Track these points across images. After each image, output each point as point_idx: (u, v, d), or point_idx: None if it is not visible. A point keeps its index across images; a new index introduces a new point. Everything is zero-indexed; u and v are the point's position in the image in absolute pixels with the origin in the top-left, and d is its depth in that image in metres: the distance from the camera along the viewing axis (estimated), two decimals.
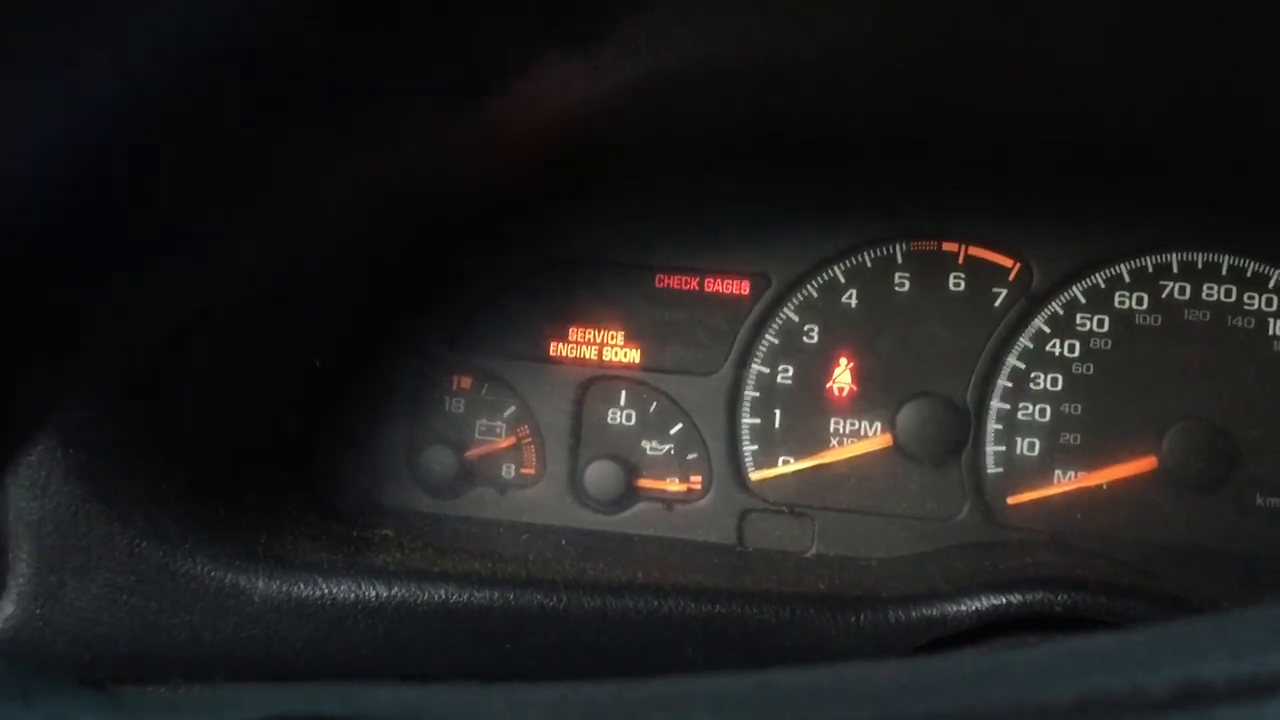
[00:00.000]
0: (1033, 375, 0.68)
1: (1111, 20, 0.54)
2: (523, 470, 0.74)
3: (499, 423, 0.74)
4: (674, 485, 0.72)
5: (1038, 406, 0.68)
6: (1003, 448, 0.68)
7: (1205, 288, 0.66)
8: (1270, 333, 0.65)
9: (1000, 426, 0.69)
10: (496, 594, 0.58)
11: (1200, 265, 0.67)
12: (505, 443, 0.74)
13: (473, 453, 0.74)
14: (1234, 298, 0.66)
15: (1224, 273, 0.66)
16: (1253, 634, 0.24)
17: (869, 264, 0.70)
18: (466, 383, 0.74)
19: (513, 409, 0.74)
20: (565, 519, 0.72)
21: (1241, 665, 0.22)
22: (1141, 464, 0.66)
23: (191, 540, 0.55)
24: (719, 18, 0.53)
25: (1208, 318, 0.66)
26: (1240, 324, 0.66)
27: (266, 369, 0.64)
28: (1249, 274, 0.66)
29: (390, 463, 0.73)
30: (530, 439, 0.73)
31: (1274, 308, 0.65)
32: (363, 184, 0.26)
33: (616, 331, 0.73)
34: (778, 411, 0.71)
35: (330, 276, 0.65)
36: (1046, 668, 0.25)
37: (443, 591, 0.58)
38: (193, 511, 0.57)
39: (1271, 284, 0.65)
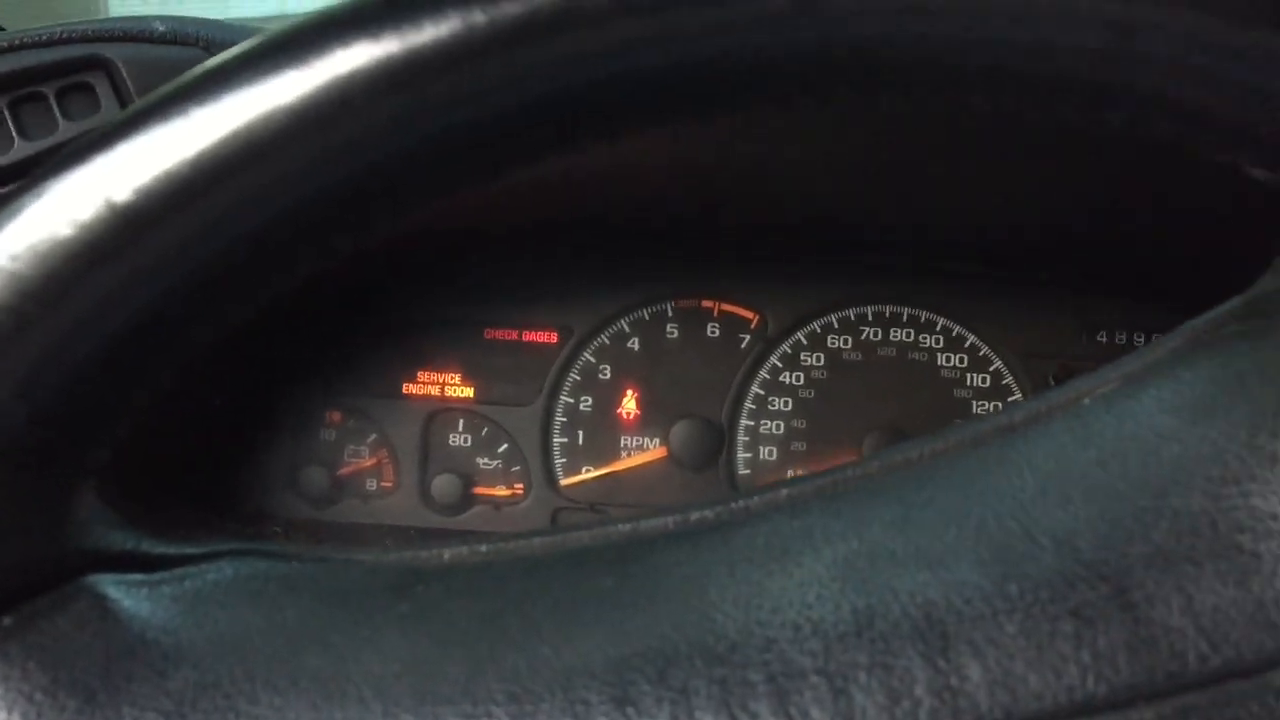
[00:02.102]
0: (770, 399, 0.89)
1: (822, 152, 0.75)
2: (383, 484, 0.91)
3: (363, 447, 0.91)
4: (502, 491, 0.90)
5: (774, 423, 0.89)
6: (750, 454, 0.89)
7: (891, 331, 0.88)
8: (937, 363, 0.88)
9: (747, 439, 0.89)
10: None
11: (888, 315, 0.88)
12: (369, 463, 0.91)
13: (343, 471, 0.91)
14: (912, 338, 0.88)
15: (904, 320, 0.88)
16: None
17: (647, 317, 0.90)
18: (337, 416, 0.92)
19: (374, 436, 0.91)
20: (416, 520, 0.90)
21: None
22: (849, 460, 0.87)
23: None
24: None
25: (894, 354, 0.88)
26: (916, 357, 0.88)
27: (178, 409, 0.82)
28: (922, 320, 0.88)
29: (277, 480, 0.90)
30: (388, 459, 0.91)
31: (941, 345, 0.87)
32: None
33: (455, 374, 0.91)
34: (580, 432, 0.90)
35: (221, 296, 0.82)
36: None
37: None
38: (122, 510, 0.74)
39: (938, 328, 0.87)
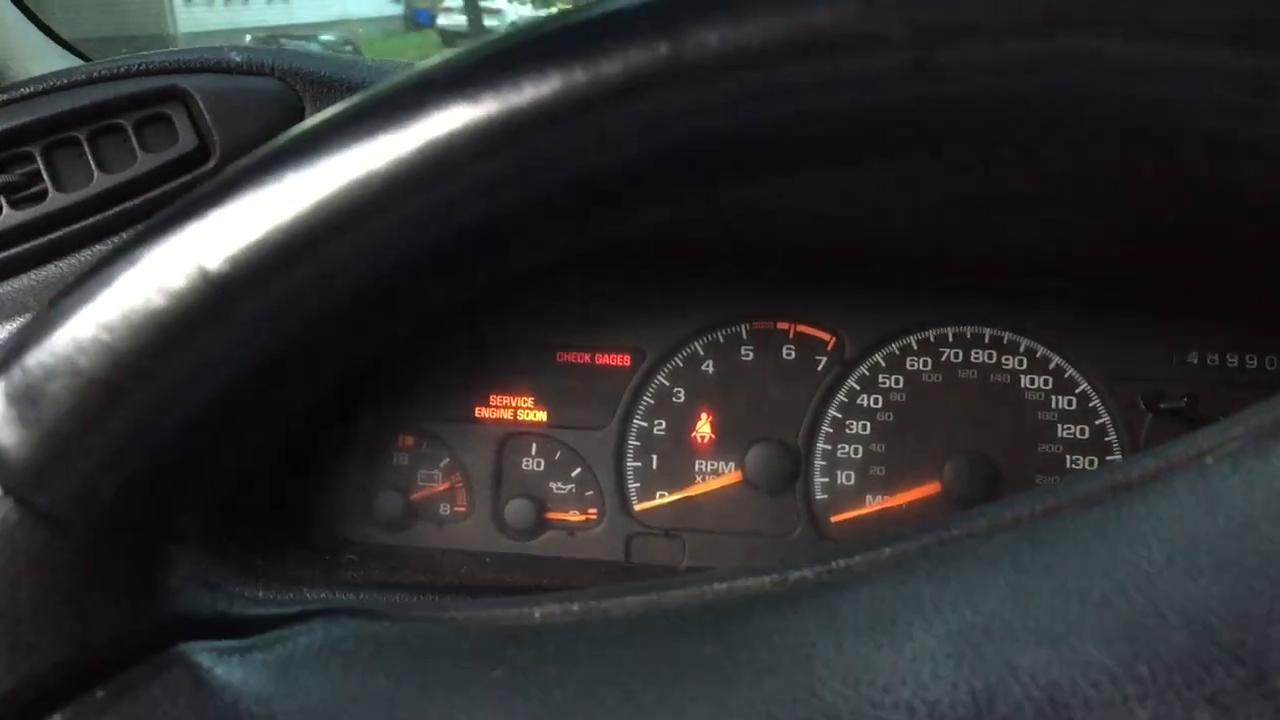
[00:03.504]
0: (848, 423, 0.87)
1: (902, 176, 0.73)
2: (456, 508, 0.91)
3: (436, 471, 0.91)
4: (575, 516, 0.89)
5: (852, 447, 0.87)
6: (827, 479, 0.87)
7: (973, 353, 0.86)
8: (1020, 385, 0.85)
9: (824, 463, 0.87)
10: (435, 596, 0.77)
11: (969, 336, 0.86)
12: (442, 487, 0.91)
13: (416, 496, 0.91)
14: (994, 360, 0.86)
15: (986, 341, 0.86)
16: None
17: (721, 340, 0.89)
18: (410, 441, 0.91)
19: (447, 460, 0.91)
20: (489, 545, 0.89)
21: None
22: (929, 488, 0.85)
23: (207, 563, 0.73)
24: None
25: (975, 376, 0.86)
26: (999, 380, 0.86)
27: (258, 433, 0.82)
28: (1004, 342, 0.86)
29: (351, 504, 0.91)
30: (462, 484, 0.91)
31: (1024, 367, 0.85)
32: None
33: (527, 397, 0.90)
34: (654, 456, 0.89)
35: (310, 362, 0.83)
36: None
37: (396, 596, 0.77)
38: (207, 543, 0.75)
39: (1021, 349, 0.85)
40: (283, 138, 0.29)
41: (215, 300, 0.29)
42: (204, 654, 0.34)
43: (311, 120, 0.29)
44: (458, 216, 0.29)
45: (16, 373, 0.29)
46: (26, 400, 0.29)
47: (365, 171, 0.28)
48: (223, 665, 0.34)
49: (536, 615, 0.39)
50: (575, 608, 0.39)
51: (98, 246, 0.68)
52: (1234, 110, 0.28)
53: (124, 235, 0.67)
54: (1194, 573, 0.32)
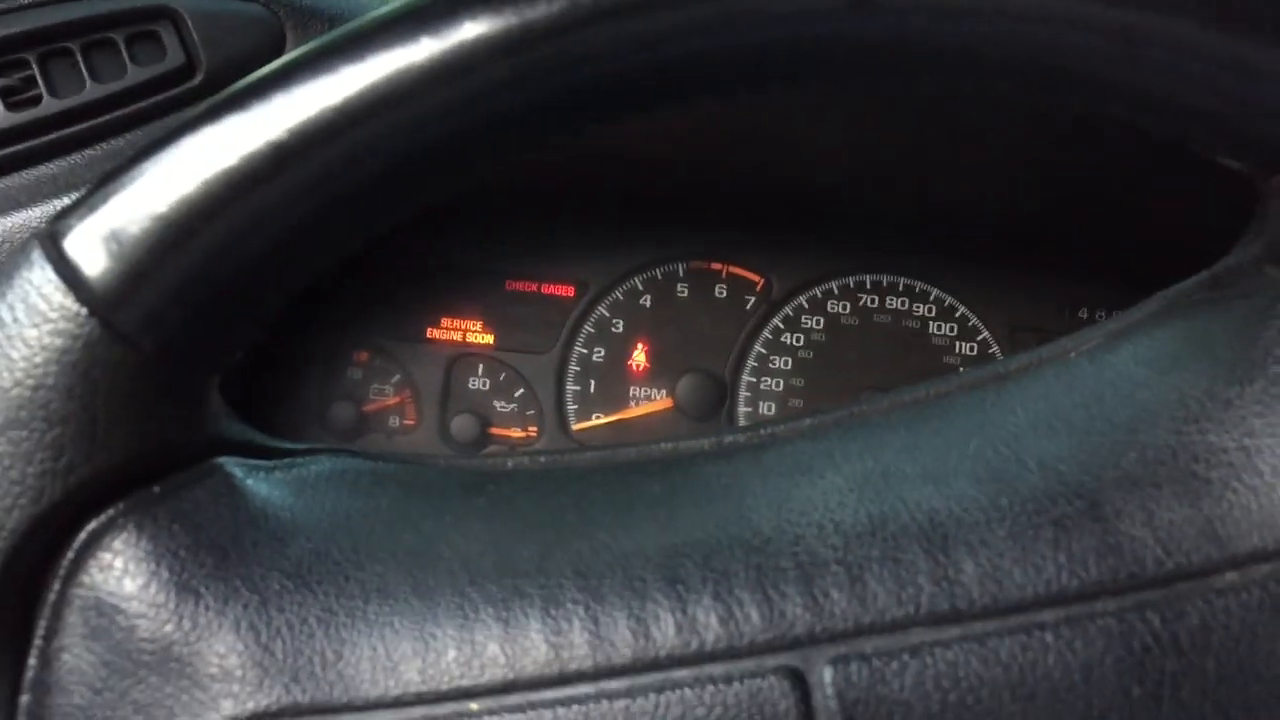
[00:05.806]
0: (771, 358, 0.95)
1: (827, 127, 0.81)
2: (405, 422, 0.97)
3: (388, 386, 0.97)
4: (517, 433, 0.96)
5: (774, 380, 0.95)
6: (750, 409, 0.95)
7: (888, 299, 0.94)
8: (929, 331, 0.94)
9: (748, 393, 0.95)
10: None
11: (885, 284, 0.94)
12: (393, 401, 0.97)
13: (368, 407, 0.96)
14: (906, 307, 0.94)
15: (900, 290, 0.94)
16: None
17: (659, 276, 0.96)
18: (364, 356, 0.97)
19: (399, 376, 0.97)
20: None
21: None
22: None
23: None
24: None
25: (889, 320, 0.94)
26: (909, 325, 0.94)
27: (290, 287, 0.86)
28: (916, 291, 0.94)
29: (306, 412, 0.96)
30: (411, 399, 0.97)
31: (933, 314, 0.94)
32: None
33: (477, 321, 0.96)
34: (593, 381, 0.96)
35: (339, 229, 0.88)
36: None
37: None
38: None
39: (931, 298, 0.93)
40: (337, 33, 0.35)
41: (273, 161, 0.35)
42: (236, 467, 0.40)
43: (359, 22, 0.35)
44: (475, 108, 0.36)
45: (104, 215, 0.35)
46: (113, 238, 0.35)
47: (405, 63, 0.34)
48: (251, 478, 0.40)
49: (509, 465, 0.46)
50: (542, 459, 0.46)
51: (88, 151, 0.72)
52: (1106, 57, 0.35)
53: (124, 137, 0.72)
54: (1049, 433, 0.40)
